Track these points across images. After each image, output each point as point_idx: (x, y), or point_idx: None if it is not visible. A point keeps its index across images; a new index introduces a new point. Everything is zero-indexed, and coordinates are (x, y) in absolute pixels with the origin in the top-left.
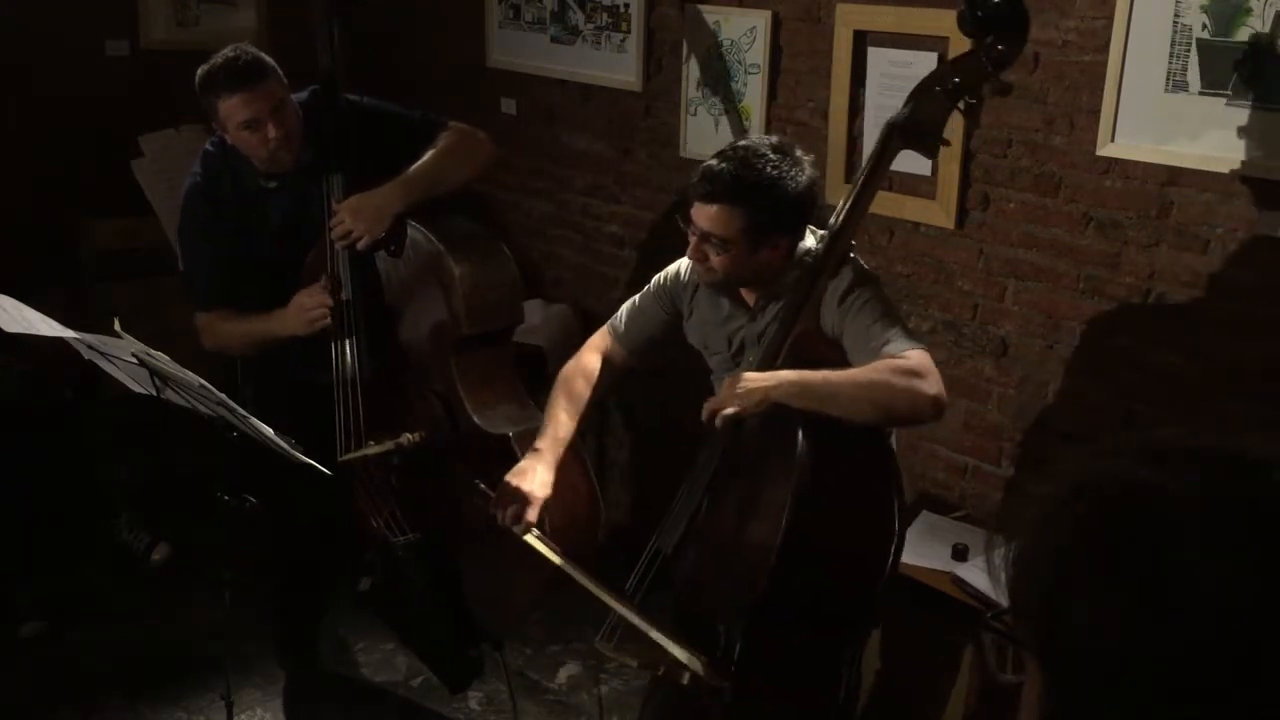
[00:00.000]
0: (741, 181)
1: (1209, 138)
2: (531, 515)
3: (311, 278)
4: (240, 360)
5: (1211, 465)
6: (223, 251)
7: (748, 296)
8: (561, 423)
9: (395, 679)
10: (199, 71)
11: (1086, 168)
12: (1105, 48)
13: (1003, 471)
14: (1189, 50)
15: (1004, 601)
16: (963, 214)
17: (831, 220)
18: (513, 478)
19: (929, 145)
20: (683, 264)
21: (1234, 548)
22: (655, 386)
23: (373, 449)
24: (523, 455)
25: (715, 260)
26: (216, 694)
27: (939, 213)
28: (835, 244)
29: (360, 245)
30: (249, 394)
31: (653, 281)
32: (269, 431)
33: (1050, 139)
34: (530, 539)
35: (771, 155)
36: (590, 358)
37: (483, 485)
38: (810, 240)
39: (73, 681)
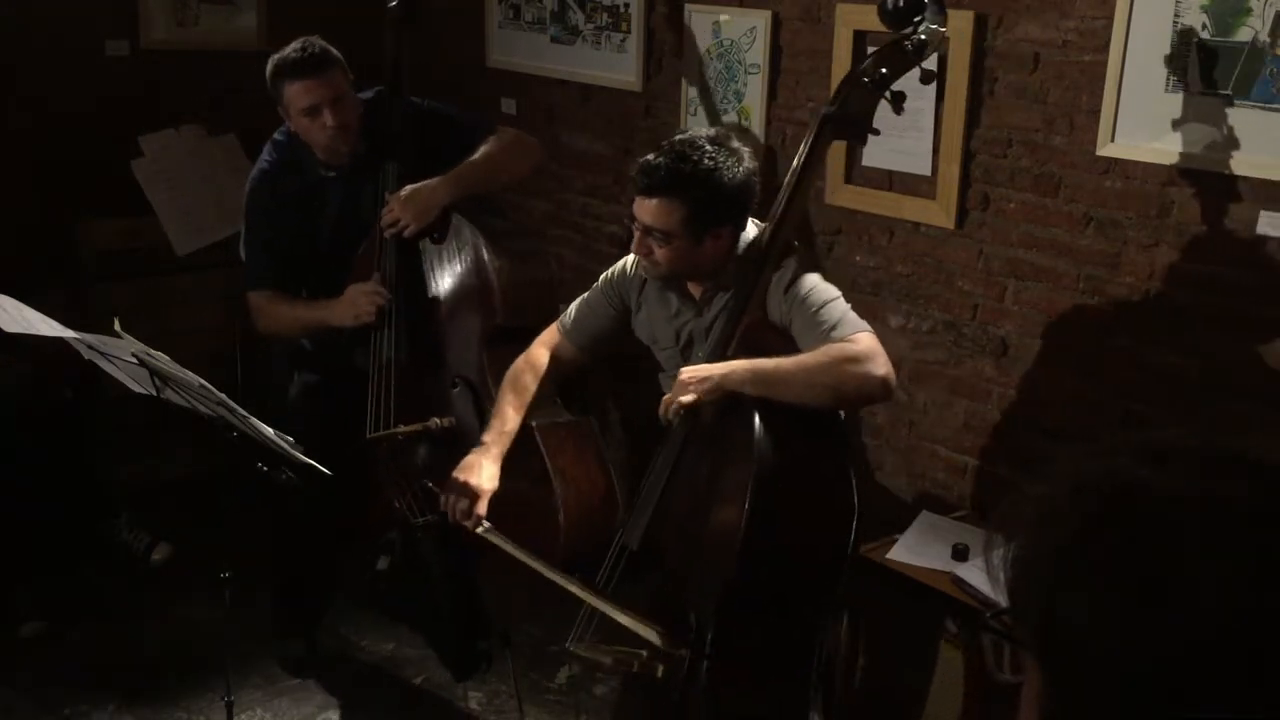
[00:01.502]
0: (678, 174)
1: (1209, 138)
2: (481, 509)
3: (362, 266)
4: (242, 358)
5: (1211, 465)
6: (282, 236)
7: (694, 290)
8: (508, 417)
9: (396, 678)
10: (270, 60)
11: (1086, 168)
12: (1105, 48)
13: (1003, 471)
14: (1189, 50)
15: (1003, 601)
16: (963, 214)
17: (772, 211)
18: (459, 473)
19: (859, 135)
20: (630, 260)
21: (1234, 548)
22: (654, 386)
23: (401, 430)
24: (542, 443)
25: (659, 253)
26: (216, 694)
27: (939, 213)
28: (777, 235)
29: (407, 234)
30: (296, 379)
31: (601, 278)
32: (269, 431)
33: (1050, 139)
34: (482, 533)
35: (708, 147)
36: (539, 353)
37: (431, 484)
38: (753, 231)
39: (73, 681)
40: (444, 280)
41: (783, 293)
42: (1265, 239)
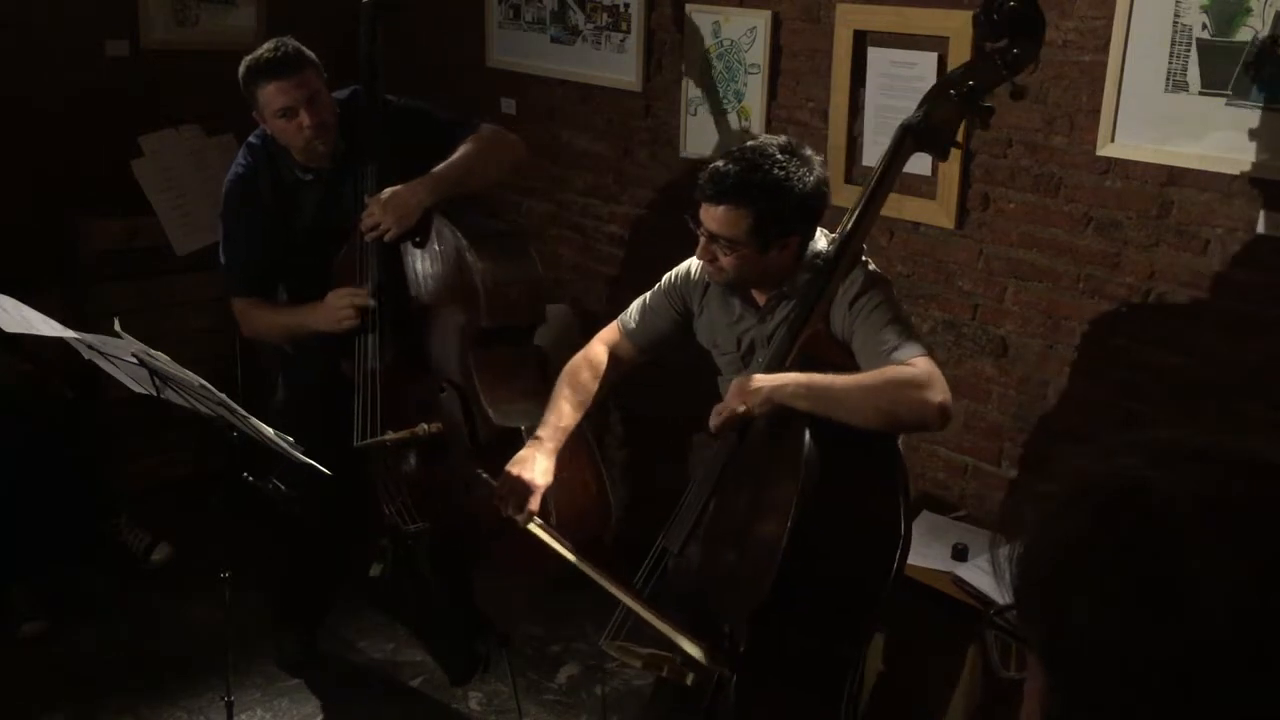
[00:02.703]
0: (747, 182)
1: (1209, 138)
2: (533, 504)
3: (343, 270)
4: (242, 359)
5: (1215, 466)
6: (259, 240)
7: (758, 297)
8: (564, 412)
9: (396, 678)
10: (243, 62)
11: (1086, 168)
12: (1105, 48)
13: (1003, 471)
14: (1189, 50)
15: (1008, 599)
16: (963, 214)
17: (843, 222)
18: (513, 467)
19: (941, 148)
20: (694, 263)
21: (1237, 549)
22: (655, 386)
23: (390, 436)
24: None
25: (724, 260)
26: (216, 694)
27: (939, 213)
28: (847, 246)
29: (388, 237)
30: (279, 382)
31: (664, 279)
32: (269, 431)
33: (1050, 139)
34: (533, 528)
35: (779, 155)
36: (598, 351)
37: (485, 475)
38: (822, 242)
39: (73, 681)
40: (427, 284)
41: (847, 307)
42: (1265, 239)
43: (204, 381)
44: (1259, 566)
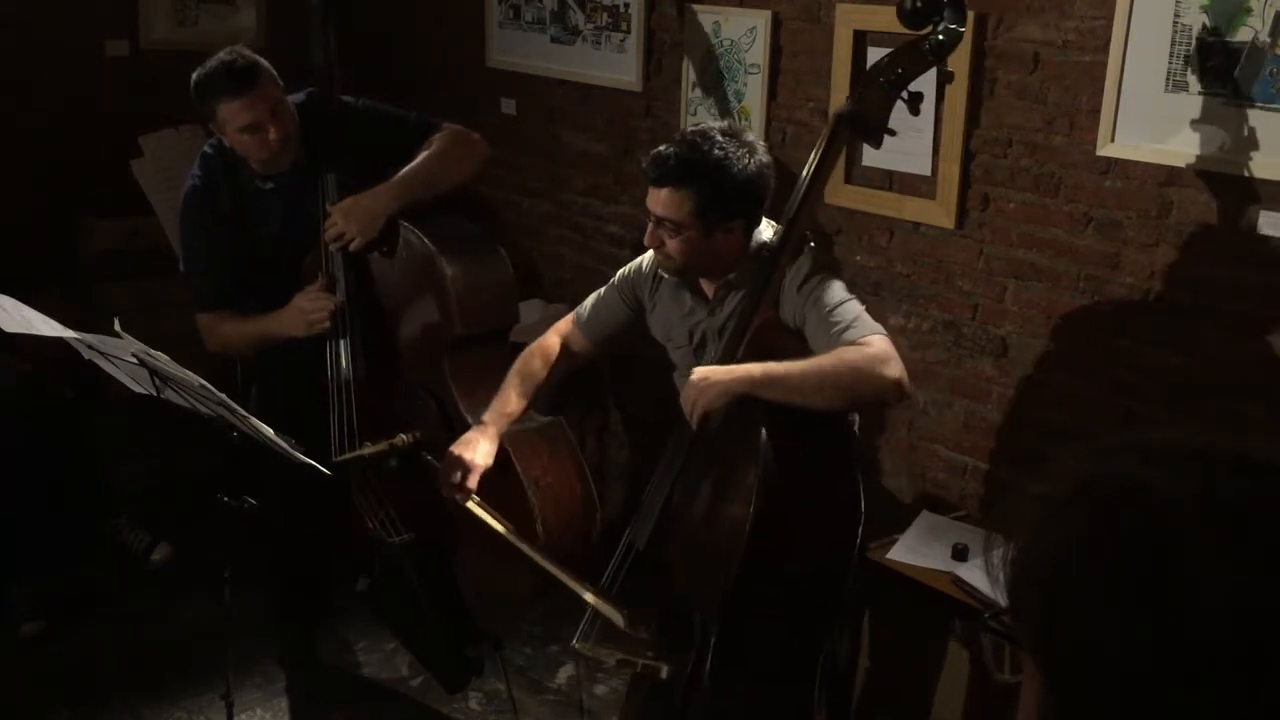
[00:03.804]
0: (687, 164)
1: (1209, 138)
2: (471, 482)
3: (310, 279)
4: (242, 361)
5: (1213, 466)
6: (221, 253)
7: (707, 288)
8: (510, 400)
9: (396, 679)
10: (194, 76)
11: (1086, 168)
12: (1105, 48)
13: (1003, 471)
14: (1189, 50)
15: (1003, 601)
16: (963, 214)
17: (786, 210)
18: (456, 448)
19: (875, 135)
20: (646, 258)
21: (1235, 550)
22: (656, 385)
23: (368, 449)
24: (514, 456)
25: (670, 245)
26: (216, 694)
27: (939, 213)
28: (790, 233)
29: (353, 247)
30: (251, 394)
31: (618, 274)
32: (269, 431)
33: (1050, 139)
34: (471, 506)
35: (719, 138)
36: (551, 341)
37: (430, 458)
38: (768, 233)
39: (73, 681)
40: (397, 293)
41: (795, 291)
42: (1265, 239)
43: (204, 381)
44: (1259, 566)
